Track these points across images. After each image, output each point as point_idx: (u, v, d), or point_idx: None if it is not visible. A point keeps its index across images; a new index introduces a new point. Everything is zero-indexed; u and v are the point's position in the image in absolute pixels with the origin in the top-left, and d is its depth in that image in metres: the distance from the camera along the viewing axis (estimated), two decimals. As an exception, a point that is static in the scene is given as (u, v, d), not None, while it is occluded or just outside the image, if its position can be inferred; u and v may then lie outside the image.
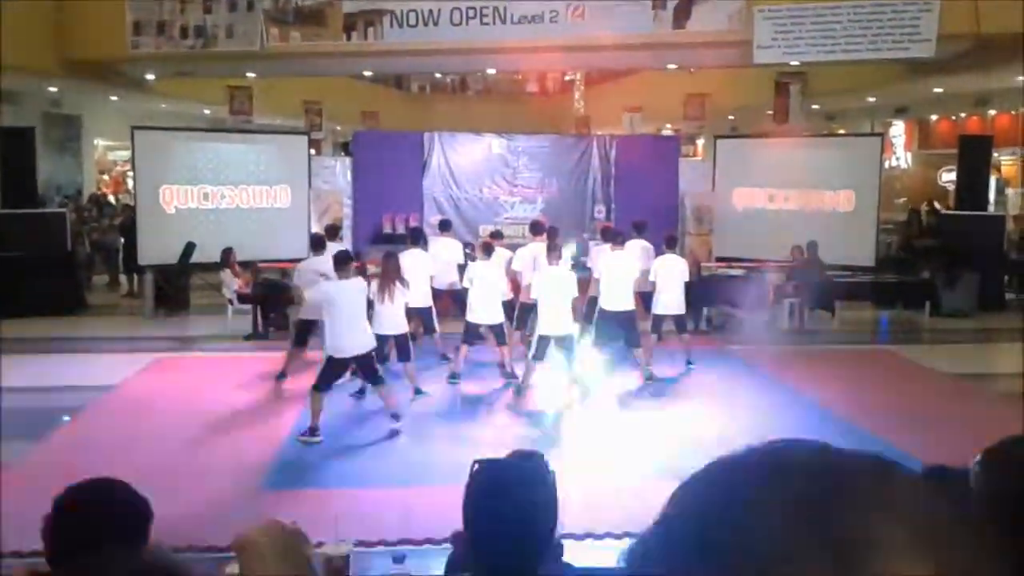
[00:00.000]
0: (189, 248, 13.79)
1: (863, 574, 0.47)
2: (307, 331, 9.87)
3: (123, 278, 16.85)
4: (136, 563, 0.84)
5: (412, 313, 9.67)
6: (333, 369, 7.92)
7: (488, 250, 9.95)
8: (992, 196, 18.40)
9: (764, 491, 0.51)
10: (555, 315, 8.94)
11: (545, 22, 13.93)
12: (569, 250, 9.76)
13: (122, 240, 16.45)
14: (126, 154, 20.10)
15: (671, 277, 10.27)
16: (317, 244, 10.40)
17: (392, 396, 8.19)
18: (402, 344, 9.16)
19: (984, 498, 1.01)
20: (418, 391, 9.14)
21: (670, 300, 10.26)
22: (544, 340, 9.03)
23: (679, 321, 10.50)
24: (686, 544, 0.52)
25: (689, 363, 10.49)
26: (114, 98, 20.35)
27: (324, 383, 7.86)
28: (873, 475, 0.53)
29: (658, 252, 10.80)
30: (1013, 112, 20.72)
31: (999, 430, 1.26)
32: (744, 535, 0.49)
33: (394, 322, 8.96)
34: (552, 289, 8.98)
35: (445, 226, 12.23)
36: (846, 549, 0.48)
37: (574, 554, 2.22)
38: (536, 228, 10.99)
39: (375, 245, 14.15)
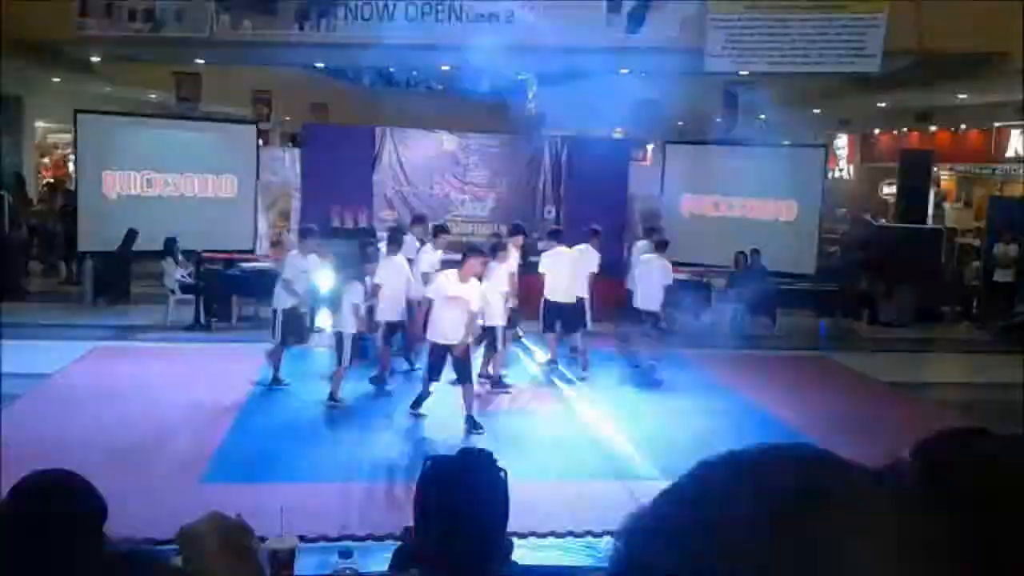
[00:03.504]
0: (131, 235, 13.52)
1: None
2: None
3: (62, 264, 16.47)
4: (107, 555, 0.84)
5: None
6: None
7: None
8: (931, 210, 18.89)
9: (742, 488, 0.53)
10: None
11: (500, 22, 13.95)
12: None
13: (61, 226, 16.07)
14: (67, 137, 19.62)
15: (652, 276, 10.67)
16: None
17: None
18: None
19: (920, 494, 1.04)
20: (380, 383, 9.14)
21: (649, 297, 10.62)
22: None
23: (654, 319, 10.77)
24: (662, 531, 0.54)
25: (636, 365, 10.63)
26: (57, 80, 19.83)
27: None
28: (854, 486, 0.54)
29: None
30: (953, 129, 21.29)
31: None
32: (713, 528, 0.51)
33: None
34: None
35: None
36: (809, 555, 0.50)
37: (519, 552, 2.24)
38: (516, 229, 11.15)
39: (323, 239, 14.03)
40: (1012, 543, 0.56)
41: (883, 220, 19.34)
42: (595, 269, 10.77)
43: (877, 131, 23.96)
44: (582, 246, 11.01)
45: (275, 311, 9.31)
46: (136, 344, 11.52)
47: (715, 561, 0.50)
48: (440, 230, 10.84)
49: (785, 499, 0.52)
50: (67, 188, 18.51)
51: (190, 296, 12.58)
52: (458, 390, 8.33)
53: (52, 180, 22.30)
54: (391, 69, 22.24)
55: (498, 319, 9.24)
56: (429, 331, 8.30)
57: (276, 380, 9.22)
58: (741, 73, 15.18)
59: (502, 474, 1.91)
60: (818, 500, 0.52)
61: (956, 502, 0.55)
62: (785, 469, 0.55)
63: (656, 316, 10.83)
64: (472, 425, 7.99)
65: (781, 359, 12.13)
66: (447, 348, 8.13)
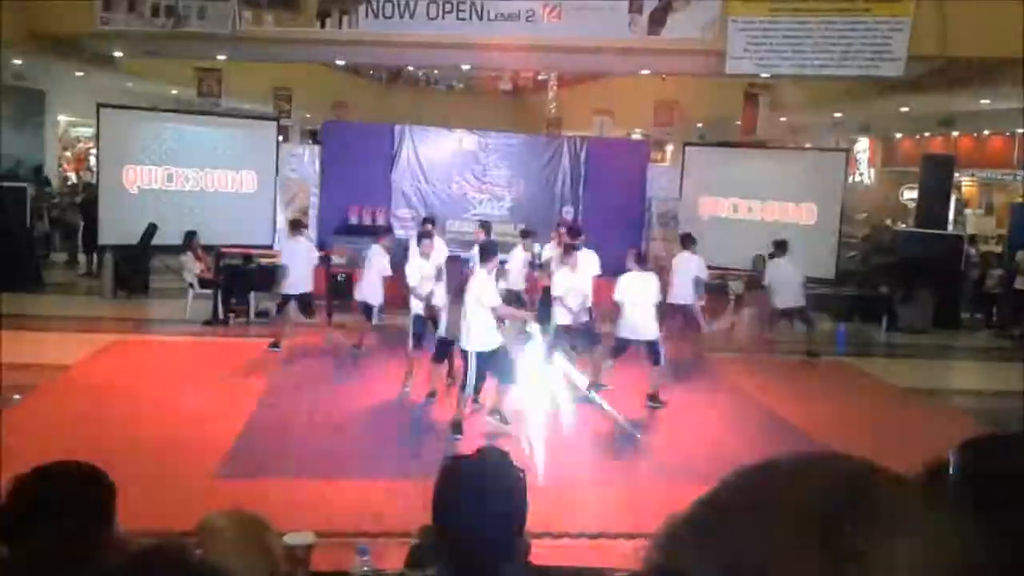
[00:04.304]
0: (151, 229, 13.60)
1: None
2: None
3: (82, 257, 16.59)
4: (131, 547, 0.84)
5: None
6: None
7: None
8: (951, 216, 18.74)
9: (787, 497, 0.52)
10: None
11: (521, 21, 13.94)
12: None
13: (82, 219, 16.19)
14: (89, 131, 19.76)
15: (787, 275, 11.87)
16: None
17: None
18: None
19: (963, 498, 1.02)
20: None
21: (790, 296, 11.84)
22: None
23: (802, 313, 12.04)
24: (703, 538, 0.53)
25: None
26: (79, 74, 19.98)
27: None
28: (896, 497, 0.53)
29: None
30: (975, 134, 21.12)
31: (948, 443, 1.29)
32: (759, 536, 0.51)
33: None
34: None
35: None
36: (846, 565, 0.49)
37: (535, 552, 2.23)
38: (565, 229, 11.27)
39: (340, 236, 14.20)
40: None
41: (903, 225, 19.22)
42: (698, 273, 11.50)
43: (899, 136, 23.80)
44: (684, 253, 11.68)
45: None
46: (154, 337, 11.60)
47: (761, 569, 0.49)
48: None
49: (832, 508, 0.51)
50: (88, 181, 18.64)
51: (209, 290, 12.65)
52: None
53: (74, 173, 22.48)
54: (411, 67, 22.26)
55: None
56: (478, 340, 7.86)
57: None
58: (763, 76, 15.10)
59: (520, 474, 1.91)
60: (865, 509, 0.51)
61: (998, 513, 0.55)
62: (831, 478, 0.54)
63: (804, 311, 12.01)
64: (501, 418, 7.95)
65: (798, 363, 12.05)
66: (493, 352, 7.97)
